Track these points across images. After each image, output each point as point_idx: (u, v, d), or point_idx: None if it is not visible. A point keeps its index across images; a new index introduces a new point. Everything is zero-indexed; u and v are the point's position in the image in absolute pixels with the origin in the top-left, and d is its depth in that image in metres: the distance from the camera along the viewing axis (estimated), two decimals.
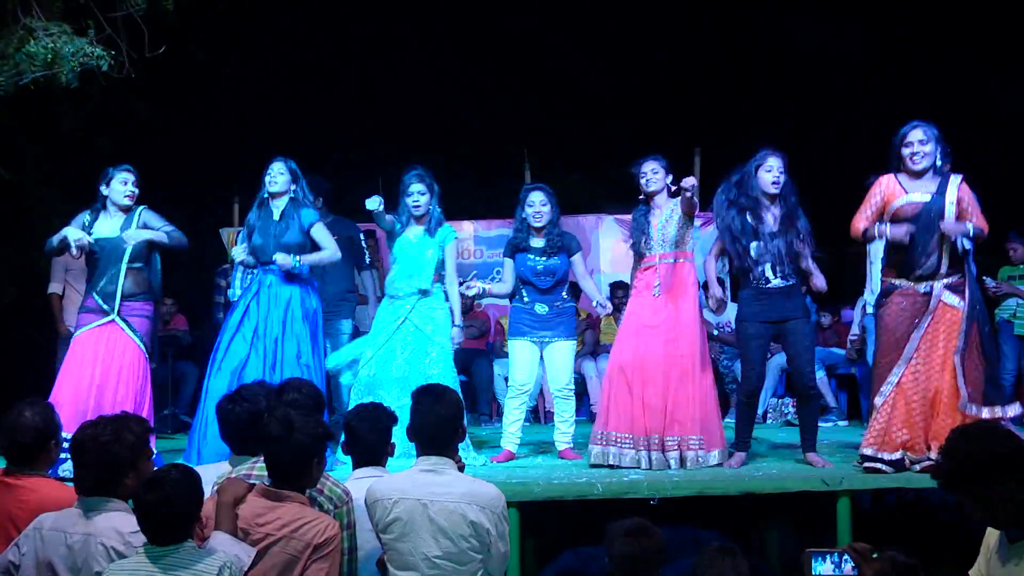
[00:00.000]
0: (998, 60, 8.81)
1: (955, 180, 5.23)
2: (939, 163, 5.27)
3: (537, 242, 6.16)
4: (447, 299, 6.16)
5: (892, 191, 5.32)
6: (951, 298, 5.19)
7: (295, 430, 3.40)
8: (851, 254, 8.58)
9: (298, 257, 5.78)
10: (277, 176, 5.90)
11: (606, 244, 9.78)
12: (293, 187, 5.93)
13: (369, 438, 3.85)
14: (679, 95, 10.58)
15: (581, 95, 11.17)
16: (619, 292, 8.44)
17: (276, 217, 5.88)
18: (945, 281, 5.20)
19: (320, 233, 5.90)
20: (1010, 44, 8.56)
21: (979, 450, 2.79)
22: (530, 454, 6.50)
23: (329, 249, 5.92)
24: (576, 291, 6.76)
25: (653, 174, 5.85)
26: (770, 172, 5.57)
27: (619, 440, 5.70)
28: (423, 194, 6.10)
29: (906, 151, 5.28)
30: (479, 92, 10.90)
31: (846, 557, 2.90)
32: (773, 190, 5.58)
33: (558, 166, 10.75)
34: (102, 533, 3.27)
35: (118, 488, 3.38)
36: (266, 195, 5.93)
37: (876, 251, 6.57)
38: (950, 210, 5.17)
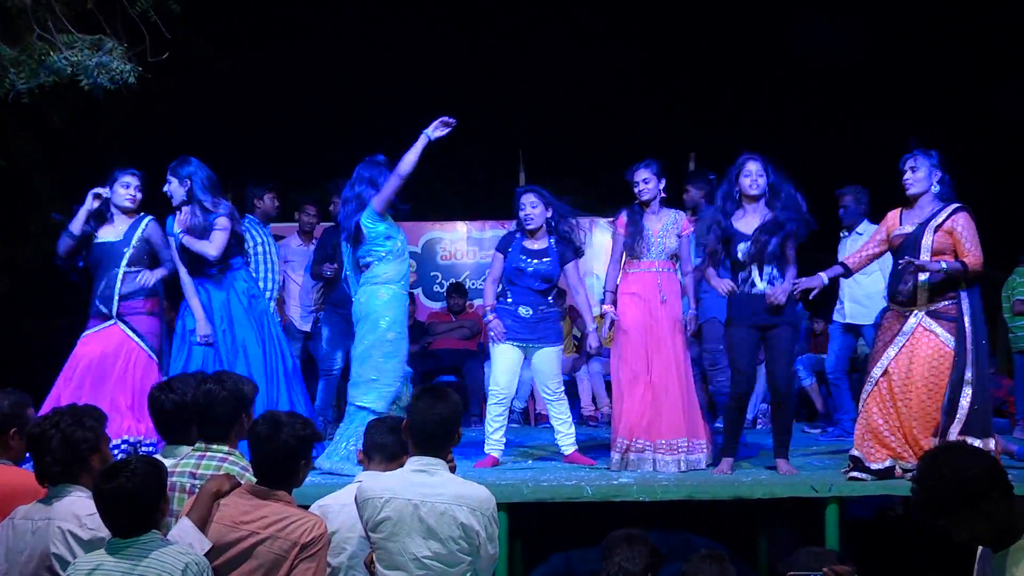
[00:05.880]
0: (999, 67, 8.84)
1: (946, 211, 5.27)
2: (935, 189, 5.31)
3: (531, 244, 6.08)
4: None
5: (893, 223, 5.47)
6: (933, 325, 5.24)
7: (282, 430, 3.40)
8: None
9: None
10: (168, 187, 5.80)
11: (600, 247, 9.77)
12: (185, 190, 5.77)
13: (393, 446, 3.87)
14: (674, 99, 10.60)
15: (576, 98, 11.19)
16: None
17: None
18: (927, 309, 5.26)
19: (216, 230, 5.71)
20: (1011, 50, 8.59)
21: (951, 474, 2.76)
22: (520, 457, 6.49)
23: (208, 243, 5.68)
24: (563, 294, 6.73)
25: (644, 184, 5.88)
26: (748, 177, 5.62)
27: (643, 447, 5.71)
28: None
29: (903, 178, 5.37)
30: (475, 94, 10.90)
31: None
32: (753, 192, 5.62)
33: (552, 169, 10.76)
34: (60, 516, 3.32)
35: (83, 473, 3.41)
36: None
37: None
38: (927, 239, 5.24)
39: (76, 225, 5.65)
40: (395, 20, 10.52)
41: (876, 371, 5.36)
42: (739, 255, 5.61)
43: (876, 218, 7.12)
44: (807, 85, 9.92)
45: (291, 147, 11.06)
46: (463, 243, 9.81)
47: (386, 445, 3.83)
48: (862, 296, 7.13)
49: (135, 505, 3.07)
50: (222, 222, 5.73)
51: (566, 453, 6.06)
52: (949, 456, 2.85)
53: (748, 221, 5.63)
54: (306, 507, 3.58)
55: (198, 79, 9.79)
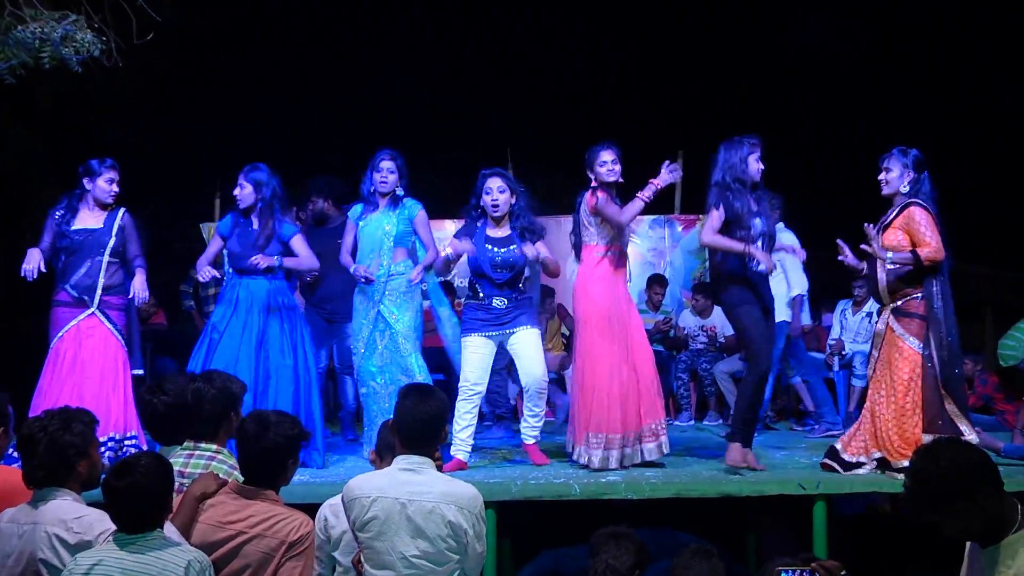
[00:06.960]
0: (996, 62, 8.87)
1: (896, 209, 5.29)
2: (904, 190, 5.30)
3: (495, 232, 5.88)
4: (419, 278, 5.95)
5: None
6: (898, 327, 5.26)
7: (270, 429, 3.40)
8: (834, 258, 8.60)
9: (278, 258, 5.80)
10: (240, 192, 5.84)
11: None
12: (257, 197, 5.83)
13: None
14: (664, 96, 10.63)
15: (565, 95, 11.20)
16: None
17: (255, 226, 5.84)
18: (893, 306, 5.29)
19: (299, 245, 5.90)
20: (1009, 45, 8.60)
21: (947, 467, 2.76)
22: (508, 455, 6.47)
23: (306, 258, 5.92)
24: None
25: (614, 165, 5.73)
26: (759, 162, 5.54)
27: (611, 442, 5.62)
28: (392, 172, 5.97)
29: (878, 177, 5.38)
30: (463, 92, 10.91)
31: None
32: (758, 177, 5.56)
33: (542, 166, 10.76)
34: (46, 521, 3.30)
35: (69, 477, 3.40)
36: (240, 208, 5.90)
37: None
38: (878, 240, 5.26)
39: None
40: (385, 18, 10.53)
41: (869, 371, 5.46)
42: (754, 229, 5.43)
43: (788, 223, 7.19)
44: (799, 81, 9.96)
45: (283, 143, 11.05)
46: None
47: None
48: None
49: (146, 501, 3.08)
50: (299, 238, 5.90)
51: (527, 443, 5.90)
52: (944, 449, 2.86)
53: (751, 200, 5.52)
54: (313, 507, 3.57)
55: (191, 74, 9.78)
